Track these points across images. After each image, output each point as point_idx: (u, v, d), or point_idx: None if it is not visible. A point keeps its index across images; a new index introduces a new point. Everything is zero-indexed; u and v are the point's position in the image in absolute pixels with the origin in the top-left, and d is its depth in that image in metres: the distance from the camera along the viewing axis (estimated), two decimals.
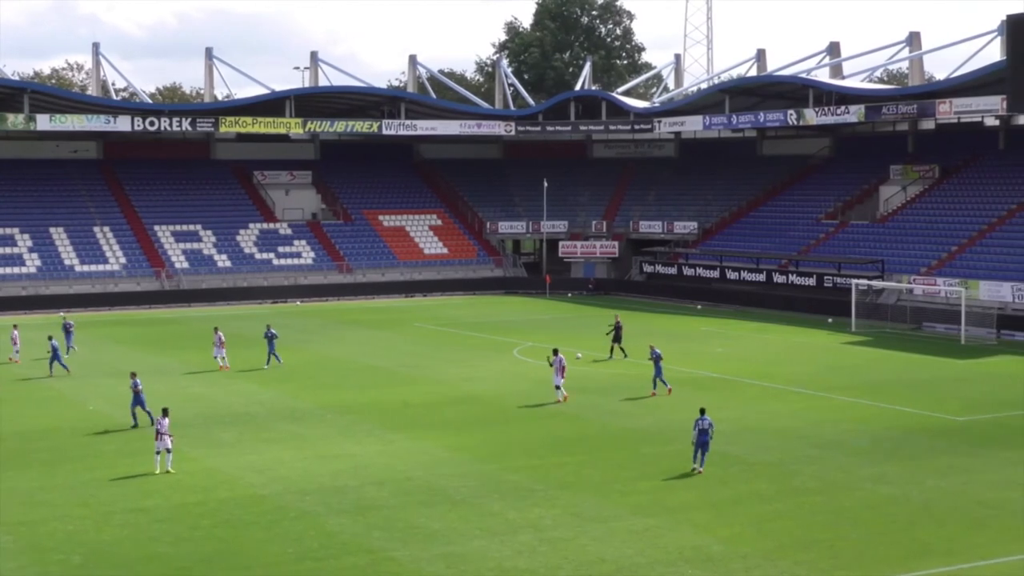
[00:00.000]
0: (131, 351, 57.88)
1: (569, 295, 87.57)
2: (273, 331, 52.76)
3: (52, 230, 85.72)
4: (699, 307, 77.39)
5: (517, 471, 32.44)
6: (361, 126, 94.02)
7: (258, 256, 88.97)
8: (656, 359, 44.72)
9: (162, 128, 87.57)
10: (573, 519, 27.82)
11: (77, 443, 36.71)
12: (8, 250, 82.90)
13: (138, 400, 38.72)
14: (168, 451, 32.45)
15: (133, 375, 39.46)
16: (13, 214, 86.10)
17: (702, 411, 32.39)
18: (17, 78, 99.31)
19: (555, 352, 43.99)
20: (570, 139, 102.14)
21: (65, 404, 43.80)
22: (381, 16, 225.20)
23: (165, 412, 33.17)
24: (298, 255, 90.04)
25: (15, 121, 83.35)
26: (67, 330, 57.48)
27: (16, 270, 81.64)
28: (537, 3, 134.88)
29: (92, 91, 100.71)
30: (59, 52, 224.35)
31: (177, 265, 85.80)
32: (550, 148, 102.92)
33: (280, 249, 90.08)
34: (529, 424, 39.38)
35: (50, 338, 51.65)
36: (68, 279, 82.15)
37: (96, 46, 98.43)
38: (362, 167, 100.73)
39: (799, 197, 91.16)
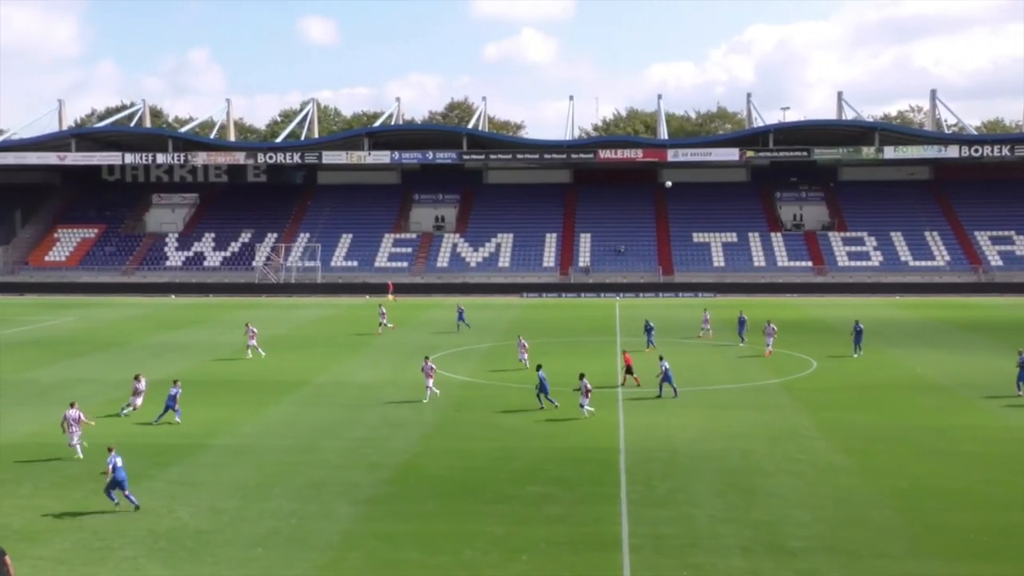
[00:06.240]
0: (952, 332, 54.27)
1: None
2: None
3: (892, 234, 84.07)
4: None
5: None
6: None
7: None
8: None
9: (984, 154, 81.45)
10: None
11: (900, 396, 34.90)
12: (857, 248, 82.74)
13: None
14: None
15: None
16: (862, 221, 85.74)
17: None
18: (870, 120, 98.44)
19: None
20: None
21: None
22: None
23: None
24: None
25: (868, 152, 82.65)
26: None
27: (863, 263, 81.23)
28: None
29: (927, 127, 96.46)
30: (901, 98, 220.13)
31: (992, 263, 79.69)
32: None
33: None
34: None
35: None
36: (902, 271, 79.99)
37: (933, 92, 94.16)
38: None
39: None
